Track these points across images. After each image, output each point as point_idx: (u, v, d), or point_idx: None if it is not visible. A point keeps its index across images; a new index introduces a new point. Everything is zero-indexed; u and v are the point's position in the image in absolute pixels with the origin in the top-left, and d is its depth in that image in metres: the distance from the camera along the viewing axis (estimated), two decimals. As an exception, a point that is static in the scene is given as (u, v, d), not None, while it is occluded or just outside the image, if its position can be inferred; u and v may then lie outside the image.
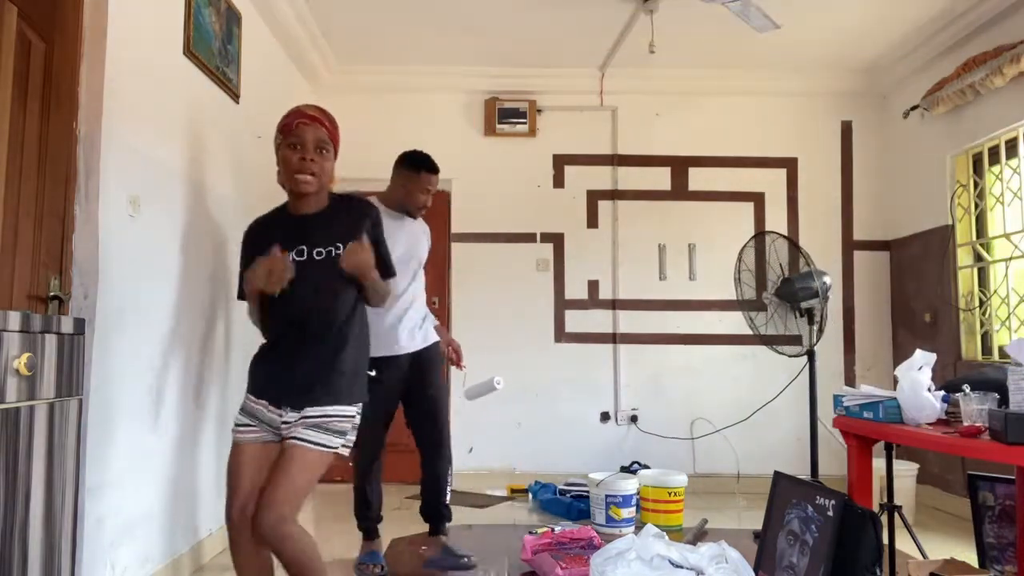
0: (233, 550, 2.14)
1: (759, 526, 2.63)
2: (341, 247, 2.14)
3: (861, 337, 5.09)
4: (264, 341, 2.32)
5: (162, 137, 2.87)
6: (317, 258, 2.17)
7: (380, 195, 3.27)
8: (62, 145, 2.32)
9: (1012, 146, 4.03)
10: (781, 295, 3.82)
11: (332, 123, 2.26)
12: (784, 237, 3.90)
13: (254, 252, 2.19)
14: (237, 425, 2.23)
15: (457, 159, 5.13)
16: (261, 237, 2.23)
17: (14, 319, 1.47)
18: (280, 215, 2.31)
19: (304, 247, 2.17)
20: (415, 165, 3.28)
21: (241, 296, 2.28)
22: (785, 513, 2.42)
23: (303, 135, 2.18)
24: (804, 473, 3.50)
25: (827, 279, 3.75)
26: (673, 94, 5.18)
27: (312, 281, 2.13)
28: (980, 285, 4.27)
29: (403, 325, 3.15)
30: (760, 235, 4.08)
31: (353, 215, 2.27)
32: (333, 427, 2.07)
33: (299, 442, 2.03)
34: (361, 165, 5.14)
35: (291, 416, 2.10)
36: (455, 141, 5.15)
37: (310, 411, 2.08)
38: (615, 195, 5.16)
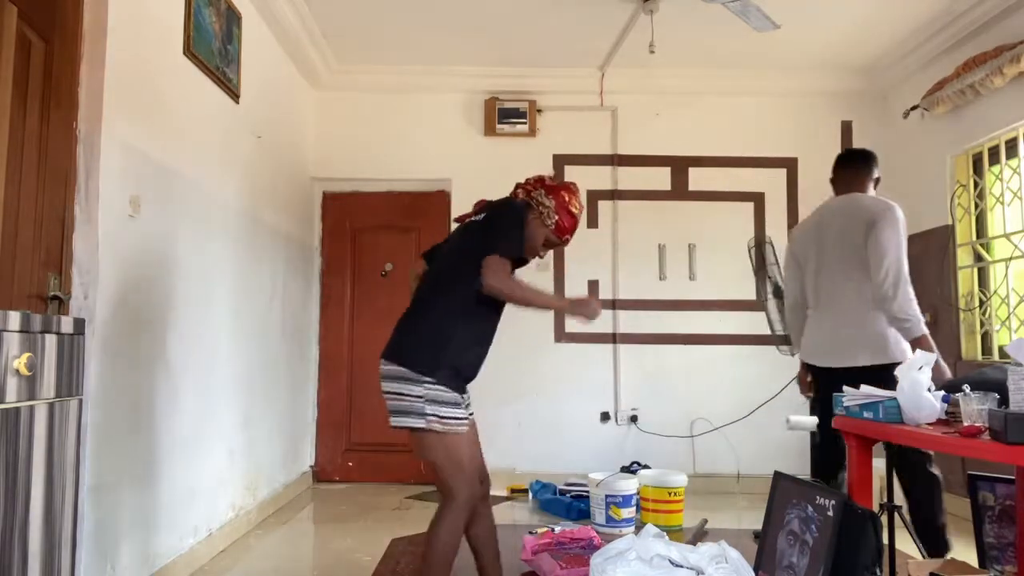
0: (472, 520, 2.32)
1: (759, 526, 2.63)
2: None
3: (861, 337, 5.08)
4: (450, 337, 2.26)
5: (162, 137, 2.87)
6: None
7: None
8: (62, 145, 2.32)
9: (1012, 146, 4.03)
10: (778, 295, 3.84)
11: None
12: (760, 244, 3.91)
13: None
14: (460, 419, 2.25)
15: (457, 159, 5.14)
16: None
17: (14, 319, 1.47)
18: None
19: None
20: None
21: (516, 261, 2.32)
22: (785, 513, 2.42)
23: (556, 245, 2.45)
24: (804, 473, 3.49)
25: None
26: (673, 94, 5.18)
27: None
28: (980, 285, 4.27)
29: None
30: (758, 238, 4.08)
31: None
32: None
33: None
34: (361, 165, 5.16)
35: (467, 397, 2.38)
36: (455, 141, 5.15)
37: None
38: (615, 195, 5.16)
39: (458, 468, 2.22)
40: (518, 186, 2.47)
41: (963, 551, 3.04)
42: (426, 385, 2.17)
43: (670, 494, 3.87)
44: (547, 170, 5.14)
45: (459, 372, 2.26)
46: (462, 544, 2.28)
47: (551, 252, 5.10)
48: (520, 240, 2.28)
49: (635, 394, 5.04)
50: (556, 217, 2.37)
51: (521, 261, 2.40)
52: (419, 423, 2.18)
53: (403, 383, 2.19)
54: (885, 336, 2.87)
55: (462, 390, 2.31)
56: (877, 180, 3.11)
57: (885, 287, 2.79)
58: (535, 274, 5.08)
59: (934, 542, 2.89)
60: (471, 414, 2.43)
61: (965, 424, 2.01)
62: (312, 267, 5.13)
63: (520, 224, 2.29)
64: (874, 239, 2.84)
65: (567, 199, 2.40)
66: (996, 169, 4.18)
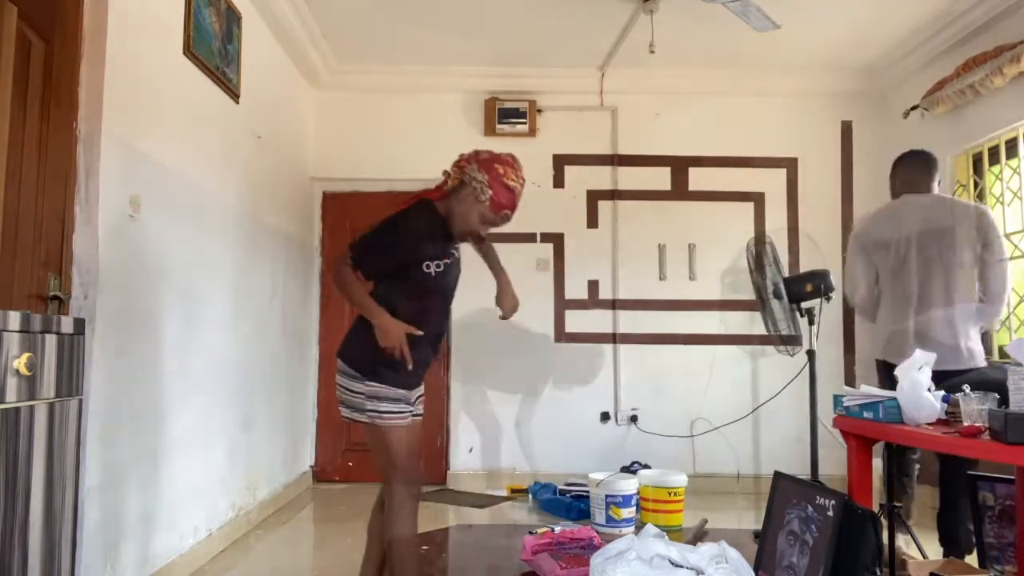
0: (411, 501, 2.33)
1: (759, 526, 2.63)
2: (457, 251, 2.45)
3: (861, 337, 5.09)
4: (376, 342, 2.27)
5: (162, 137, 2.87)
6: (452, 262, 2.39)
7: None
8: (62, 145, 2.32)
9: (1012, 146, 4.03)
10: (778, 295, 3.85)
11: None
12: (760, 244, 3.91)
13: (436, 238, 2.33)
14: (399, 413, 2.28)
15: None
16: (438, 234, 2.35)
17: (14, 319, 1.47)
18: (442, 224, 2.37)
19: (455, 253, 2.42)
20: None
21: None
22: (785, 513, 2.42)
23: (498, 223, 2.38)
24: (804, 473, 3.49)
25: (833, 279, 3.78)
26: (673, 94, 5.18)
27: (452, 288, 2.45)
28: (980, 285, 4.26)
29: None
30: (758, 238, 4.08)
31: None
32: None
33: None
34: (361, 165, 5.16)
35: (417, 392, 2.42)
36: (455, 141, 5.09)
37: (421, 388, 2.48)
38: (615, 195, 5.16)
39: (392, 461, 2.27)
40: (454, 163, 2.41)
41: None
42: (367, 383, 2.25)
43: (670, 494, 3.87)
44: (547, 170, 5.15)
45: (398, 370, 2.26)
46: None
47: (551, 255, 5.14)
48: (380, 249, 2.26)
49: (635, 394, 5.04)
50: (490, 192, 2.29)
51: (446, 241, 2.36)
52: (361, 418, 2.27)
53: (349, 379, 2.28)
54: (978, 343, 2.99)
55: (411, 385, 2.32)
56: (939, 183, 3.20)
57: (1001, 305, 3.02)
58: (535, 274, 5.09)
59: (958, 541, 2.90)
60: (417, 414, 2.42)
61: (965, 424, 2.02)
62: (312, 267, 5.13)
63: (389, 233, 2.27)
64: (994, 256, 2.97)
65: (501, 171, 2.30)
66: (996, 169, 4.18)
